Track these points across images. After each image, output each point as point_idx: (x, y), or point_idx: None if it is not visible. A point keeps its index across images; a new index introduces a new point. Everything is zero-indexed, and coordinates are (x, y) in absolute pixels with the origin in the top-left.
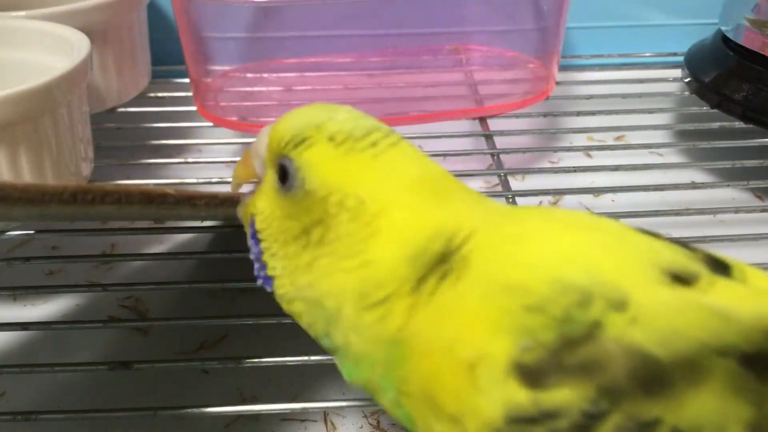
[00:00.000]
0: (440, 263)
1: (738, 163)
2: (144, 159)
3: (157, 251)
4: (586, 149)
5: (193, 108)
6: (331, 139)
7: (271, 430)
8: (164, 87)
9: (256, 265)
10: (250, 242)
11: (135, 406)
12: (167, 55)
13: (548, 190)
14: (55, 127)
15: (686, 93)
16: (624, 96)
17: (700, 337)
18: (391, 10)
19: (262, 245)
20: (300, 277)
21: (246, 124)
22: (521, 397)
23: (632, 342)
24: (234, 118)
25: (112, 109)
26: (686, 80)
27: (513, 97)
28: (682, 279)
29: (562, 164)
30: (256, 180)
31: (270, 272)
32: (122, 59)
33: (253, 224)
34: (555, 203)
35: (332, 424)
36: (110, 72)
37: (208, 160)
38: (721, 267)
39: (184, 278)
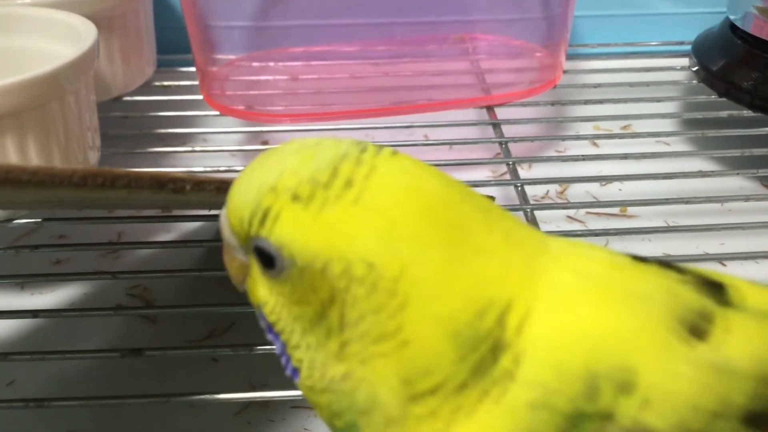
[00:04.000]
0: (491, 350)
1: (747, 152)
2: (150, 148)
3: (164, 240)
4: (594, 137)
5: (199, 97)
6: (296, 198)
7: (281, 418)
8: (169, 76)
9: (282, 359)
10: (268, 336)
11: (145, 393)
12: (172, 43)
13: (555, 178)
14: (63, 114)
15: (694, 82)
16: (632, 85)
17: (712, 408)
18: None
19: (282, 338)
20: (331, 368)
21: (252, 113)
22: None
23: (648, 428)
24: (240, 107)
25: (118, 98)
26: (694, 69)
27: (520, 86)
28: (697, 330)
29: (568, 153)
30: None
31: (295, 364)
32: (128, 47)
33: (263, 317)
34: (562, 192)
35: None
36: (116, 60)
37: (215, 149)
38: (717, 289)
39: (191, 266)
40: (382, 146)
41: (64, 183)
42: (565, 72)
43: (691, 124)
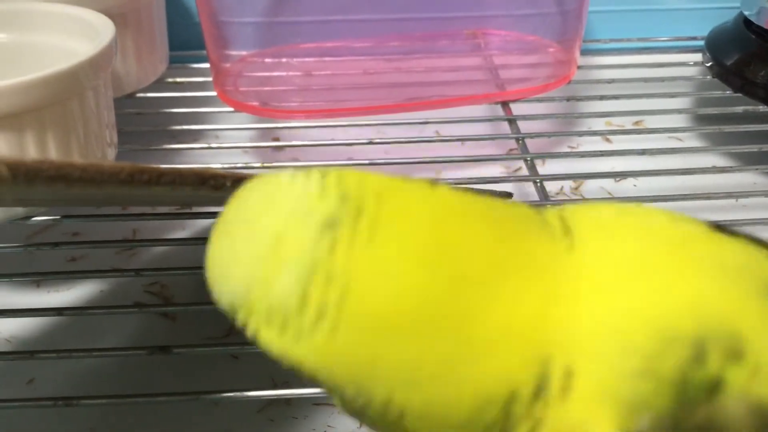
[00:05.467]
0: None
1: (765, 147)
2: (166, 144)
3: (179, 237)
4: (609, 133)
5: (213, 93)
6: (269, 320)
7: (303, 415)
8: (182, 72)
9: None
10: None
11: (168, 391)
12: (183, 39)
13: (572, 174)
14: (83, 111)
15: (708, 77)
16: (646, 80)
17: None
18: None
19: None
20: None
21: (267, 109)
22: None
23: (759, 399)
24: (255, 103)
25: (131, 94)
26: (707, 64)
27: (535, 82)
28: None
29: (581, 149)
30: None
31: None
32: (141, 43)
33: None
34: (576, 188)
35: None
36: (130, 57)
37: (230, 145)
38: None
39: None
40: (363, 199)
41: (112, 180)
42: (578, 68)
43: (704, 119)
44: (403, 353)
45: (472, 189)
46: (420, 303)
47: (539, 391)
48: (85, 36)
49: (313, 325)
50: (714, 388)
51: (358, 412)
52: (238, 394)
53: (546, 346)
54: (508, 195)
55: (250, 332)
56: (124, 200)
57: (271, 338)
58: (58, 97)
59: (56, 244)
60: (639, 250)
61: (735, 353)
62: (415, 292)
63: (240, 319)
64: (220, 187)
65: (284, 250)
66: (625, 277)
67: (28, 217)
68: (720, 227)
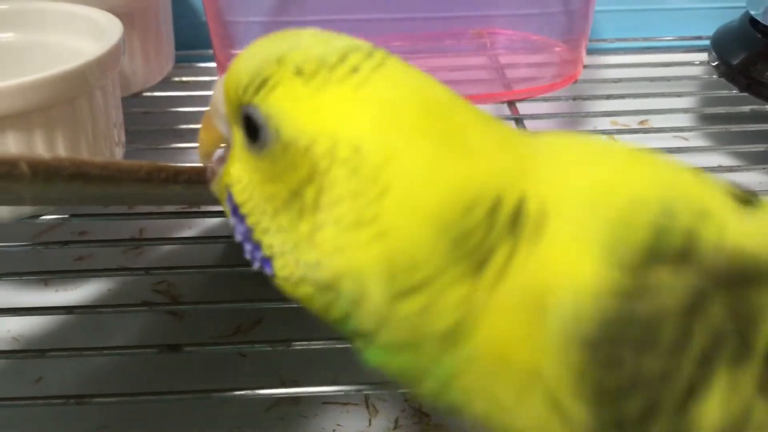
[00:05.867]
0: (489, 235)
1: None
2: (172, 143)
3: (186, 236)
4: (614, 132)
5: None
6: (299, 72)
7: (313, 414)
8: (188, 71)
9: (247, 247)
10: (232, 220)
11: (178, 389)
12: (190, 39)
13: None
14: (91, 110)
15: (713, 77)
16: (652, 80)
17: None
18: None
19: (248, 221)
20: (304, 253)
21: None
22: (616, 275)
23: (733, 243)
24: None
25: (137, 94)
26: (713, 64)
27: (542, 81)
28: (747, 201)
29: None
30: (224, 144)
31: (266, 251)
32: (148, 43)
33: (231, 198)
34: None
35: (374, 407)
36: (136, 56)
37: None
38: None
39: (215, 262)
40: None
41: (130, 178)
42: (584, 67)
43: (710, 119)
44: (413, 123)
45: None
46: (421, 107)
47: (517, 215)
48: (93, 35)
49: (342, 78)
50: (688, 234)
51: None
52: (248, 392)
53: (522, 178)
54: None
55: (267, 89)
56: (136, 199)
57: (292, 88)
58: (66, 96)
59: (65, 243)
60: (600, 148)
61: (702, 213)
62: (418, 99)
63: (263, 75)
64: None
65: (338, 36)
66: (589, 161)
67: (36, 216)
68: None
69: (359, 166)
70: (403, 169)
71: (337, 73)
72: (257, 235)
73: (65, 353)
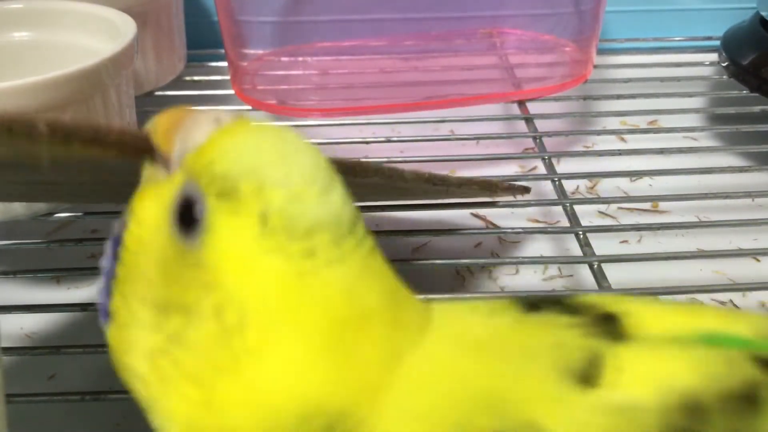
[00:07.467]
0: None
1: None
2: None
3: None
4: (625, 132)
5: (231, 91)
6: (263, 219)
7: None
8: (200, 71)
9: (102, 283)
10: (106, 251)
11: None
12: (201, 38)
13: (587, 173)
14: (105, 109)
15: (724, 77)
16: (662, 80)
17: None
18: None
19: (119, 270)
20: (141, 341)
21: (284, 108)
22: None
23: None
24: (272, 102)
25: (150, 93)
26: (723, 64)
27: (552, 81)
28: (588, 377)
29: (596, 148)
30: (162, 166)
31: (112, 307)
32: (160, 42)
33: (118, 236)
34: (592, 187)
35: None
36: (149, 55)
37: None
38: (610, 323)
39: None
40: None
41: (148, 148)
42: (594, 67)
43: (720, 119)
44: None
45: (490, 179)
46: (335, 315)
47: None
48: (107, 34)
49: (294, 255)
50: None
51: None
52: None
53: (370, 399)
54: (526, 190)
55: (228, 204)
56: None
57: (249, 230)
58: (81, 95)
59: (80, 241)
60: (467, 343)
61: (527, 425)
62: (342, 309)
63: (232, 183)
64: None
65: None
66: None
67: (50, 214)
68: (533, 302)
69: (231, 337)
70: (266, 364)
71: (294, 247)
72: (115, 287)
73: (80, 350)
